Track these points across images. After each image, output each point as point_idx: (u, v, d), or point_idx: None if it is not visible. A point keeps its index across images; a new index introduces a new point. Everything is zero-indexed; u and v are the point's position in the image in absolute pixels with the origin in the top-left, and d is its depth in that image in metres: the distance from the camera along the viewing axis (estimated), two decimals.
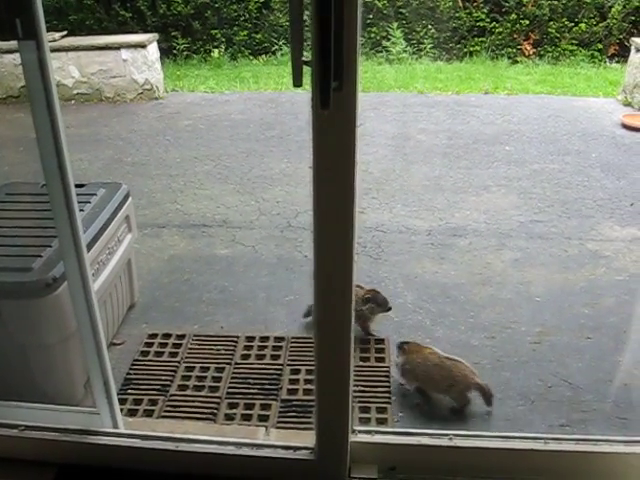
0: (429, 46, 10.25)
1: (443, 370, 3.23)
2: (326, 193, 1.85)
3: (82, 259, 2.20)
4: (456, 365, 3.23)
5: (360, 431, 2.39)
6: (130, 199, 3.78)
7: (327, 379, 2.18)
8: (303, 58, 1.69)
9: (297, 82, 1.73)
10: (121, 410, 3.00)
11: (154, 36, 8.51)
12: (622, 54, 9.25)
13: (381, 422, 3.05)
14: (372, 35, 10.35)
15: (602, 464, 2.35)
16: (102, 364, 2.40)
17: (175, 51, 10.17)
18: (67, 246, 2.17)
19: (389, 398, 3.22)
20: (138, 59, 8.15)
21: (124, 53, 8.11)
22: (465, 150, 6.55)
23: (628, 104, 7.90)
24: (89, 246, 3.21)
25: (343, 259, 1.94)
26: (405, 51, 10.20)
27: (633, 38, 8.30)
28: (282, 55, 10.21)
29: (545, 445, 2.37)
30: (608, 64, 9.83)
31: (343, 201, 1.85)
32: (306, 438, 2.37)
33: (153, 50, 8.36)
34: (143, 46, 8.15)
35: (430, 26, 10.32)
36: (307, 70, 1.67)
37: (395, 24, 10.25)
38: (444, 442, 2.38)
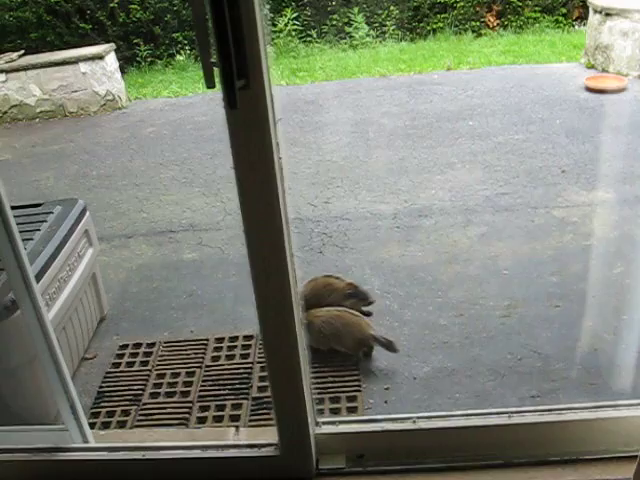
0: (392, 28, 10.20)
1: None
2: (250, 193, 1.84)
3: (31, 289, 2.16)
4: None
5: (324, 422, 2.39)
6: (87, 213, 3.77)
7: (279, 375, 2.19)
8: (212, 60, 1.68)
9: (209, 84, 1.72)
10: (94, 424, 3.03)
11: (111, 46, 8.43)
12: (587, 16, 9.21)
13: (352, 411, 3.06)
14: (334, 22, 10.32)
15: (568, 433, 2.35)
16: (65, 386, 2.39)
17: (139, 58, 10.09)
18: (14, 276, 2.14)
19: (359, 386, 3.23)
20: (97, 71, 8.09)
21: (82, 66, 8.04)
22: (428, 129, 6.53)
23: (591, 67, 7.88)
24: (47, 264, 3.21)
25: (277, 257, 1.95)
26: (368, 35, 10.16)
27: None
28: None
29: (509, 419, 2.37)
30: (576, 28, 9.78)
31: (269, 199, 1.84)
32: (272, 435, 2.38)
33: (111, 60, 8.30)
34: (101, 57, 8.08)
35: (392, 7, 10.28)
36: None
37: (356, 9, 10.20)
38: (408, 425, 2.38)
